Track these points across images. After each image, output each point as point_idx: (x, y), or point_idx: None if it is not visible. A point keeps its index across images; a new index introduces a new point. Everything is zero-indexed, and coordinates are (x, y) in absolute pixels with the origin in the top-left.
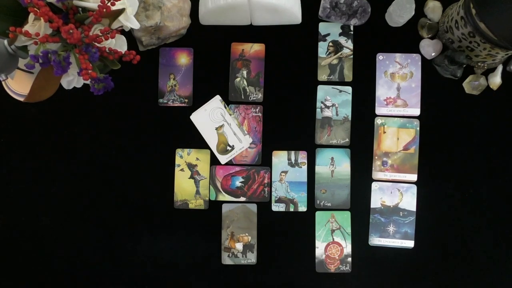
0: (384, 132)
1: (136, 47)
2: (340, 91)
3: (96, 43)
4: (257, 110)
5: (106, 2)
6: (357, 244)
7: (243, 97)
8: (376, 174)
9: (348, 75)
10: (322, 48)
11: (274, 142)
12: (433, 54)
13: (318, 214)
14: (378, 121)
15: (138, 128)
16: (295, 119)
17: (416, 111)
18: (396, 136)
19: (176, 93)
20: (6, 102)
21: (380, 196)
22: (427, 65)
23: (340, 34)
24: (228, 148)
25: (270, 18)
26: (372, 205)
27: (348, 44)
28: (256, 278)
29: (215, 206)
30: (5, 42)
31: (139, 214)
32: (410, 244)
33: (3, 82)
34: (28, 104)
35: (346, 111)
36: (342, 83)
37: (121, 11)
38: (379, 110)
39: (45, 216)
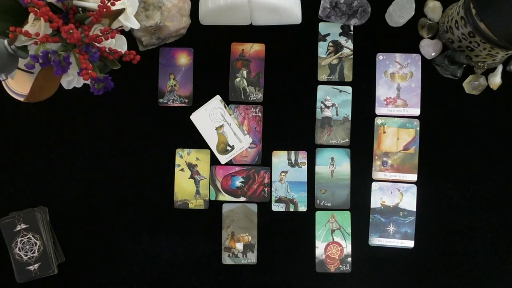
0: (384, 132)
1: (136, 47)
2: (340, 91)
3: (96, 43)
4: (257, 110)
5: (106, 2)
6: (357, 244)
7: (243, 97)
8: (376, 174)
9: (348, 75)
10: (322, 48)
11: (274, 142)
12: (433, 54)
13: (318, 214)
14: (378, 121)
15: (138, 128)
16: (295, 119)
17: (416, 111)
18: (396, 136)
19: (176, 93)
20: (6, 102)
21: (380, 196)
22: (427, 65)
23: (340, 34)
24: (228, 148)
25: (270, 18)
26: (372, 205)
27: (348, 44)
28: (256, 278)
29: (215, 206)
30: (5, 42)
31: (139, 214)
32: (410, 244)
33: (3, 82)
34: (28, 104)
35: (346, 111)
36: (342, 83)
37: (121, 11)
38: (379, 110)
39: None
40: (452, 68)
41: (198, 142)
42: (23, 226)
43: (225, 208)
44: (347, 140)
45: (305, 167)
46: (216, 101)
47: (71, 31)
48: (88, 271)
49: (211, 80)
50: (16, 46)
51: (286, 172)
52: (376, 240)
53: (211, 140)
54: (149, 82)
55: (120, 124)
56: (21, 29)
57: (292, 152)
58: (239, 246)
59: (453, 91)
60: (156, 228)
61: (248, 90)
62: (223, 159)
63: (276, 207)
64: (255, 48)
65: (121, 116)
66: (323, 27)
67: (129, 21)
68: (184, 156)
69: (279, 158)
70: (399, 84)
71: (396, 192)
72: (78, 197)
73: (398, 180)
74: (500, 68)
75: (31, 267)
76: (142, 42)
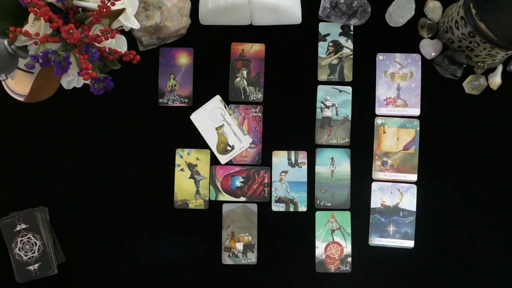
0: (384, 132)
1: (136, 47)
2: (340, 91)
3: (96, 43)
4: (257, 110)
5: (106, 2)
6: (357, 244)
7: (243, 97)
8: (376, 174)
9: (348, 75)
10: (322, 48)
11: (274, 142)
12: (433, 54)
13: (318, 214)
14: (378, 121)
15: (138, 128)
16: (295, 119)
17: (416, 111)
18: (396, 136)
19: (176, 93)
20: (6, 102)
21: (380, 196)
22: (427, 65)
23: (340, 34)
24: (228, 148)
25: (270, 18)
26: (372, 205)
27: (348, 44)
28: (256, 278)
29: (215, 206)
30: (5, 42)
31: (139, 214)
32: (410, 244)
33: (3, 82)
34: (28, 104)
35: (346, 111)
36: (342, 83)
37: (121, 11)
38: (379, 110)
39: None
40: (452, 68)
41: (198, 142)
42: (23, 226)
43: (225, 208)
44: (347, 140)
45: (305, 167)
46: (216, 101)
47: (71, 31)
48: (88, 271)
49: (211, 80)
50: (16, 46)
51: (286, 172)
52: (376, 240)
53: (211, 140)
54: (149, 82)
55: (120, 124)
56: (21, 29)
57: (292, 152)
58: (239, 246)
59: (453, 91)
60: (156, 228)
61: (248, 90)
62: (223, 159)
63: (276, 207)
64: (255, 48)
65: (121, 116)
66: (323, 27)
67: (129, 21)
68: (184, 156)
69: (279, 158)
70: (399, 84)
71: (396, 192)
72: (78, 197)
73: (398, 180)
74: (500, 68)
75: (31, 267)
76: (142, 42)
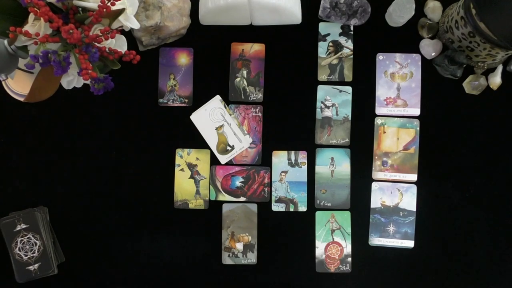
0: (384, 132)
1: (136, 47)
2: (340, 91)
3: (96, 43)
4: (257, 110)
5: (106, 2)
6: (357, 244)
7: (243, 97)
8: (376, 174)
9: (348, 75)
10: (322, 48)
11: (274, 142)
12: (433, 54)
13: (318, 214)
14: (378, 121)
15: (138, 128)
16: (295, 119)
17: (416, 111)
18: (396, 136)
19: (176, 93)
20: (6, 102)
21: (380, 196)
22: (427, 65)
23: (340, 34)
24: (228, 148)
25: (270, 18)
26: (372, 205)
27: (348, 44)
28: (256, 278)
29: (215, 206)
30: (5, 42)
31: (139, 214)
32: (410, 244)
33: (3, 82)
34: (28, 104)
35: (346, 111)
36: (342, 83)
37: (121, 11)
38: (379, 110)
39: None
40: (452, 68)
41: (198, 142)
42: (23, 226)
43: (225, 208)
44: (347, 140)
45: (305, 167)
46: (216, 101)
47: (71, 31)
48: (88, 271)
49: (211, 80)
50: (16, 46)
51: (286, 172)
52: (376, 240)
53: (211, 140)
54: (149, 82)
55: (120, 124)
56: (21, 29)
57: (292, 152)
58: (239, 246)
59: (453, 91)
60: (156, 228)
61: (248, 90)
62: (223, 159)
63: (276, 207)
64: (255, 48)
65: (121, 116)
66: (323, 27)
67: (129, 21)
68: (184, 156)
69: (279, 158)
70: (399, 84)
71: (396, 192)
72: (78, 197)
73: (398, 180)
74: (500, 68)
75: (31, 267)
76: (142, 42)
